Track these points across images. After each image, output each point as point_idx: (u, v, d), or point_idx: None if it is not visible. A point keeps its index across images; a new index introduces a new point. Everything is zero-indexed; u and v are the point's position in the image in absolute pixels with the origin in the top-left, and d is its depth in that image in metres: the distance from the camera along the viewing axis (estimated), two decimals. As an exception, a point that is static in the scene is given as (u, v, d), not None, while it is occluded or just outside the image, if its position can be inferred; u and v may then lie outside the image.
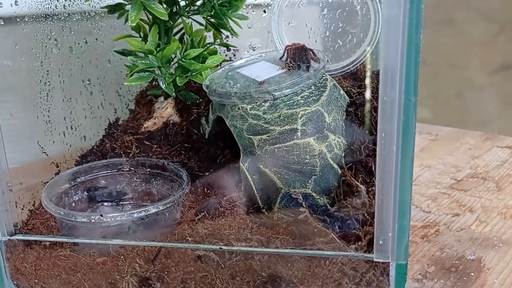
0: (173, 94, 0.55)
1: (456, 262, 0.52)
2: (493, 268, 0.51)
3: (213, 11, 0.56)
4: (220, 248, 0.43)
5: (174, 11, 0.58)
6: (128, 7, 0.55)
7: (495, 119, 1.36)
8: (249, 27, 0.62)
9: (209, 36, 0.61)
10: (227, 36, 0.64)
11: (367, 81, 0.55)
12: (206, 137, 0.56)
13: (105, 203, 0.56)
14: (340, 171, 0.47)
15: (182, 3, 0.58)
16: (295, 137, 0.46)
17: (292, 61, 0.49)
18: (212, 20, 0.58)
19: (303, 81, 0.47)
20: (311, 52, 0.50)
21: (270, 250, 0.42)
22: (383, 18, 0.35)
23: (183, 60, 0.55)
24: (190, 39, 0.58)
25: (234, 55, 0.66)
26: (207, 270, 0.44)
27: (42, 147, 0.59)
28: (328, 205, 0.46)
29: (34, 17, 0.58)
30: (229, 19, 0.57)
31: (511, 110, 1.34)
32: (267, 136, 0.47)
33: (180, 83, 0.53)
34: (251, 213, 0.47)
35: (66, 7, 0.61)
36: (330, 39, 0.59)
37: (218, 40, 0.62)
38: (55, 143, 0.62)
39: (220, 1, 0.56)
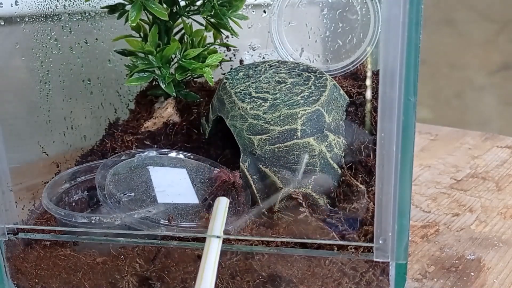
0: (174, 94, 0.56)
1: (456, 262, 0.52)
2: (493, 268, 0.51)
3: (213, 11, 0.56)
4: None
5: (174, 11, 0.58)
6: (128, 7, 0.55)
7: (495, 119, 1.36)
8: (249, 27, 0.62)
9: (209, 36, 0.61)
10: (227, 36, 0.64)
11: (367, 81, 0.55)
12: (206, 137, 0.56)
13: (105, 203, 0.56)
14: (340, 171, 0.47)
15: (182, 3, 0.58)
16: (295, 137, 0.46)
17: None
18: (212, 20, 0.58)
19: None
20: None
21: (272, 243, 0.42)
22: (383, 18, 0.35)
23: (183, 60, 0.55)
24: (190, 39, 0.58)
25: (234, 55, 0.66)
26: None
27: (42, 147, 0.59)
28: (328, 205, 0.46)
29: (34, 17, 0.58)
30: (229, 19, 0.57)
31: (511, 110, 1.34)
32: (267, 136, 0.47)
33: (179, 78, 0.53)
34: (251, 213, 0.47)
35: (66, 7, 0.61)
36: (330, 39, 0.59)
37: (218, 40, 0.62)
38: (55, 143, 0.62)
39: (220, 1, 0.56)
